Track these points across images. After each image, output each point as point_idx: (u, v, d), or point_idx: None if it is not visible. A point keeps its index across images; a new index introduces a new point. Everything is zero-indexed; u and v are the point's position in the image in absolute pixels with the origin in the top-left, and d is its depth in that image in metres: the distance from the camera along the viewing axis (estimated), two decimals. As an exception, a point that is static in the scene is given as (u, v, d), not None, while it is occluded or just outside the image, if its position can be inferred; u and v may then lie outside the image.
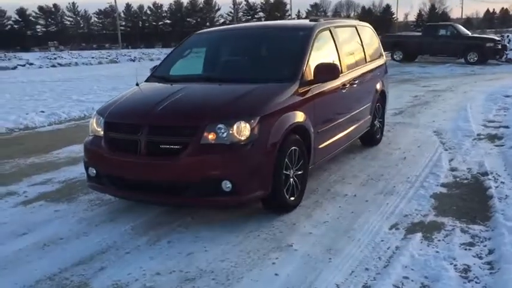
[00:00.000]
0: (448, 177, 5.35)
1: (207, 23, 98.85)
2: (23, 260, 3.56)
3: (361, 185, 5.12)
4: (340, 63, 5.39)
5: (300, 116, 4.41)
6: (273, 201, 4.22)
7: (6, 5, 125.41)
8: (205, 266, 3.37)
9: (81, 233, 4.00)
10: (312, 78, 4.67)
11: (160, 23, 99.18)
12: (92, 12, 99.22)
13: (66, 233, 4.03)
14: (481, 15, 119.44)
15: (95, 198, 4.82)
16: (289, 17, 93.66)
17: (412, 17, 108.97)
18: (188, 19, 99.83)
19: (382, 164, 5.94)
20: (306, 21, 5.59)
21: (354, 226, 4.05)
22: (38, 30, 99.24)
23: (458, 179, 5.29)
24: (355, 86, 5.66)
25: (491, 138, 7.16)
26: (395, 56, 24.15)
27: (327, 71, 4.69)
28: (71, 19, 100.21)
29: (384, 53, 7.44)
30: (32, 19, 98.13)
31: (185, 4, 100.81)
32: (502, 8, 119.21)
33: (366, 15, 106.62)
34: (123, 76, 19.59)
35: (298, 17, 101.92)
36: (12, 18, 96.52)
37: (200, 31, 5.96)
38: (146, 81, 5.13)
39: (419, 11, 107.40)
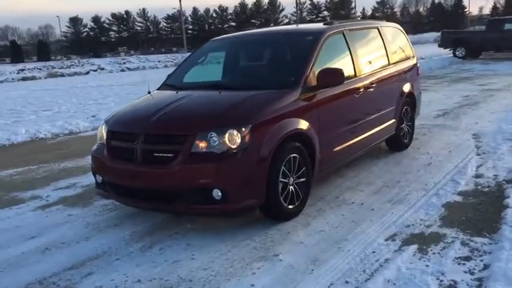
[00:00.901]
0: (468, 185, 5.09)
1: (271, 24, 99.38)
2: (21, 263, 3.77)
3: (373, 193, 4.98)
4: (354, 67, 5.28)
5: (300, 123, 4.36)
6: (269, 210, 4.20)
7: (83, 13, 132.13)
8: (186, 275, 3.42)
9: (83, 238, 4.18)
10: (316, 84, 4.60)
11: (225, 26, 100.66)
12: (161, 17, 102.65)
13: (71, 237, 4.21)
14: None
15: (108, 203, 4.99)
16: (354, 16, 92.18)
17: (487, 11, 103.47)
18: (253, 20, 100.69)
19: (403, 170, 5.75)
20: (318, 26, 5.51)
21: (349, 236, 3.95)
22: (111, 36, 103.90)
23: (479, 187, 5.02)
24: (372, 89, 5.51)
25: (533, 142, 6.73)
26: (457, 53, 23.14)
27: (331, 76, 4.61)
28: (142, 25, 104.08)
29: (415, 54, 7.15)
30: (106, 26, 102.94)
31: (250, 6, 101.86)
32: None
33: (435, 9, 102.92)
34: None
35: (363, 15, 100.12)
36: (88, 26, 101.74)
37: (216, 38, 6.03)
38: (158, 89, 5.26)
39: (494, 3, 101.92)
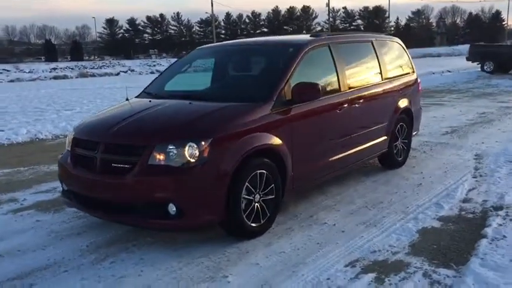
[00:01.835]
0: (452, 210, 4.84)
1: (304, 31, 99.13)
2: (-29, 270, 3.73)
3: (350, 213, 4.78)
4: (338, 81, 5.10)
5: (270, 138, 4.21)
6: (230, 227, 4.06)
7: (119, 15, 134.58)
8: None
9: (41, 246, 4.11)
10: (291, 98, 4.45)
11: (258, 31, 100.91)
12: (194, 21, 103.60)
13: (29, 244, 4.15)
14: None
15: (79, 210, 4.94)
16: (387, 25, 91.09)
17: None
18: (285, 27, 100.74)
19: (389, 190, 5.52)
20: (303, 37, 5.34)
21: (308, 260, 3.77)
22: (145, 38, 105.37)
23: (463, 213, 4.76)
24: (359, 105, 5.31)
25: (537, 166, 6.38)
26: (485, 67, 22.49)
27: (306, 91, 4.44)
28: (175, 28, 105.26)
29: (415, 69, 6.90)
30: (141, 28, 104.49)
31: (283, 12, 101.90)
32: None
33: (472, 22, 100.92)
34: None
35: (397, 24, 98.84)
36: (124, 28, 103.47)
37: (202, 46, 5.93)
38: (137, 96, 5.18)
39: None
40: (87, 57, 79.54)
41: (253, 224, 4.13)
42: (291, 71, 4.57)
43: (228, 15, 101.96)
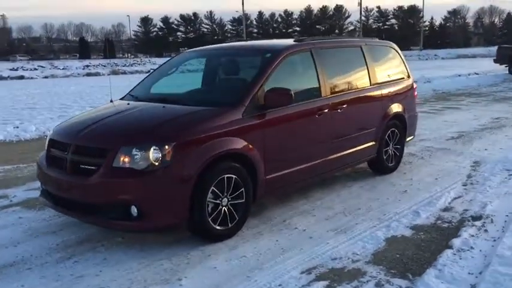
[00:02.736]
0: (429, 218, 4.78)
1: (336, 30, 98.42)
2: None
3: (324, 219, 4.78)
4: (319, 86, 5.10)
5: (239, 143, 4.26)
6: (195, 230, 4.13)
7: (153, 14, 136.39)
8: None
9: (14, 243, 4.25)
10: (265, 103, 4.48)
11: (290, 30, 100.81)
12: (227, 20, 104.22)
13: (4, 241, 4.28)
14: None
15: (64, 208, 5.09)
16: (421, 24, 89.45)
17: None
18: (318, 26, 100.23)
19: (373, 196, 5.49)
20: (283, 42, 5.36)
21: (266, 265, 3.80)
22: (179, 36, 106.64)
23: (439, 222, 4.70)
24: (342, 110, 5.29)
25: (533, 175, 6.22)
26: (512, 70, 21.91)
27: (278, 96, 4.46)
28: (208, 27, 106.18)
29: (410, 74, 6.82)
30: (174, 26, 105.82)
31: (315, 12, 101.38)
32: None
33: (511, 22, 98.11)
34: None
35: (431, 24, 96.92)
36: (158, 26, 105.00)
37: (190, 49, 6.01)
38: (121, 98, 5.30)
39: None
40: (120, 55, 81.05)
41: (220, 228, 4.18)
42: (266, 76, 4.59)
43: (260, 14, 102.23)
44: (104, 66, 49.85)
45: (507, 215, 4.79)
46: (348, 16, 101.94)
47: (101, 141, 4.06)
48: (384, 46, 6.49)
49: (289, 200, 5.31)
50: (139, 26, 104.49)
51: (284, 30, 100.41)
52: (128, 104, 4.81)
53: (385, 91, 6.09)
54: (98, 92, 19.41)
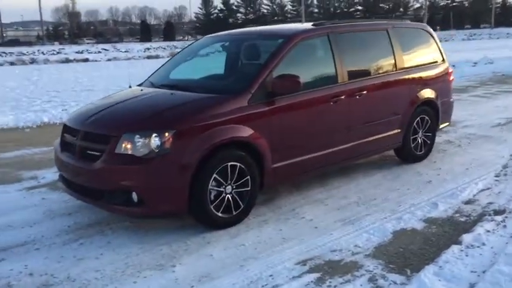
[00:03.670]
0: (447, 211, 4.57)
1: (401, 9, 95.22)
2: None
3: (335, 209, 4.67)
4: (336, 72, 4.95)
5: (243, 131, 4.21)
6: (197, 217, 4.16)
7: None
8: (76, 274, 3.49)
9: (31, 223, 4.45)
10: (273, 90, 4.40)
11: (351, 9, 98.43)
12: (287, 0, 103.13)
13: (23, 221, 4.49)
14: None
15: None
16: (493, 1, 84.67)
17: None
18: (381, 4, 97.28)
19: (393, 186, 5.30)
20: (300, 27, 5.21)
21: (262, 254, 3.77)
22: (239, 18, 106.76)
23: (457, 215, 4.48)
24: (361, 97, 5.11)
25: None
26: None
27: (286, 83, 4.36)
28: (268, 7, 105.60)
29: (445, 58, 6.46)
30: (234, 8, 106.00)
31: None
32: None
33: None
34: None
35: (504, 1, 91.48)
36: (218, 8, 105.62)
37: (211, 35, 5.97)
38: (139, 84, 5.37)
39: None
40: (181, 37, 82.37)
41: (223, 215, 4.18)
42: (275, 62, 4.50)
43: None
44: (164, 48, 50.92)
45: (534, 210, 4.48)
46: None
47: (106, 127, 4.14)
48: (415, 29, 6.19)
49: (305, 188, 5.22)
50: (200, 8, 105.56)
51: (346, 10, 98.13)
52: (142, 90, 4.88)
53: (413, 76, 5.81)
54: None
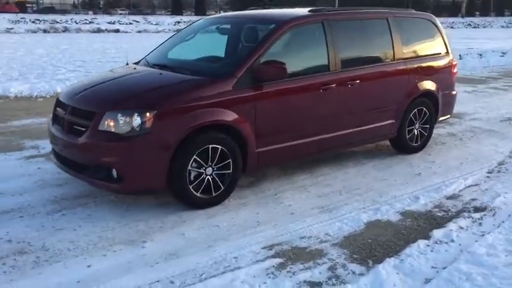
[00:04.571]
0: (426, 205, 4.59)
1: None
2: None
3: (316, 196, 4.73)
4: (328, 60, 4.96)
5: (225, 114, 4.29)
6: (176, 195, 4.28)
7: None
8: (50, 244, 3.65)
9: (21, 192, 4.61)
10: (258, 76, 4.45)
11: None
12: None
13: (14, 189, 4.67)
14: None
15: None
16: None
17: None
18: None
19: (381, 176, 5.32)
20: (295, 12, 5.20)
21: (233, 237, 3.87)
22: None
23: (436, 210, 4.50)
24: (353, 86, 5.11)
25: None
26: None
27: (271, 70, 4.40)
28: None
29: (450, 50, 6.35)
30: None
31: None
32: None
33: None
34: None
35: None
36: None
37: (210, 16, 6.00)
38: (136, 62, 5.46)
39: None
40: (213, 12, 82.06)
41: (202, 196, 4.29)
42: (264, 48, 4.54)
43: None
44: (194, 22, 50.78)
45: (516, 209, 4.46)
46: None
47: (91, 104, 4.27)
48: (419, 19, 6.10)
49: (293, 173, 5.29)
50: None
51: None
52: (135, 68, 4.99)
53: (411, 67, 5.76)
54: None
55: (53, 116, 4.72)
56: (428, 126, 6.16)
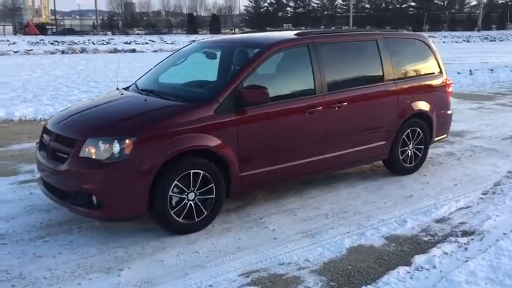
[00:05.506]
0: (413, 229, 4.51)
1: (456, 6, 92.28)
2: None
3: (302, 220, 4.69)
4: (314, 83, 4.95)
5: (207, 140, 4.29)
6: (158, 221, 4.28)
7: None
8: (28, 272, 3.66)
9: (8, 218, 4.66)
10: (240, 101, 4.46)
11: (404, 5, 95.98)
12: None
13: (1, 214, 4.75)
14: None
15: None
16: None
17: None
18: (436, 1, 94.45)
19: (371, 198, 5.26)
20: (284, 35, 5.22)
21: (211, 264, 3.85)
22: (288, 11, 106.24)
23: (422, 234, 4.42)
24: (340, 108, 5.08)
25: None
26: None
27: (252, 95, 4.41)
28: (318, 2, 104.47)
29: (443, 70, 6.29)
30: (284, 1, 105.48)
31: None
32: None
33: None
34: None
35: None
36: (268, 1, 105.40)
37: (201, 40, 6.05)
38: (126, 88, 5.52)
39: None
40: (228, 30, 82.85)
41: (185, 221, 4.29)
42: (248, 72, 4.56)
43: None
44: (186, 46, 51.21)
45: (504, 233, 4.36)
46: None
47: (73, 131, 4.32)
48: (410, 39, 6.09)
49: (282, 196, 5.26)
50: (250, 1, 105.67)
51: (398, 6, 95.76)
52: (122, 94, 5.04)
53: (402, 88, 5.71)
54: (185, 68, 20.14)
55: (40, 142, 4.78)
56: (422, 147, 6.08)
